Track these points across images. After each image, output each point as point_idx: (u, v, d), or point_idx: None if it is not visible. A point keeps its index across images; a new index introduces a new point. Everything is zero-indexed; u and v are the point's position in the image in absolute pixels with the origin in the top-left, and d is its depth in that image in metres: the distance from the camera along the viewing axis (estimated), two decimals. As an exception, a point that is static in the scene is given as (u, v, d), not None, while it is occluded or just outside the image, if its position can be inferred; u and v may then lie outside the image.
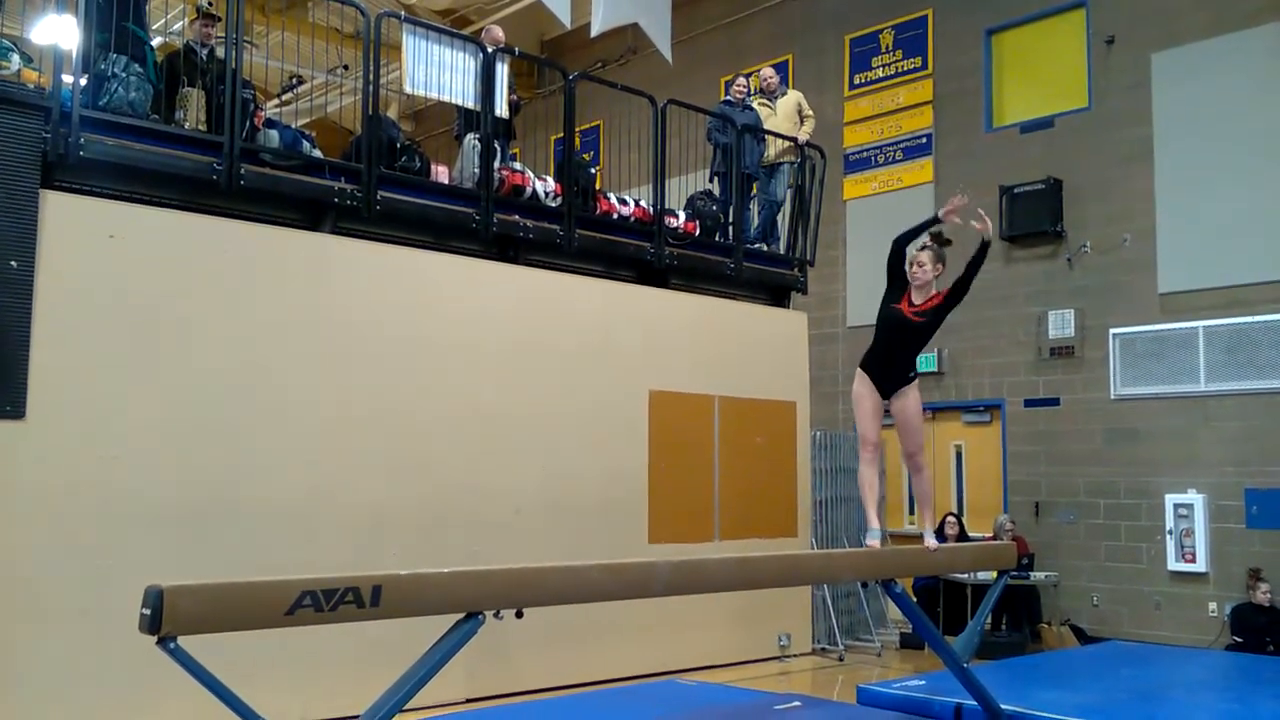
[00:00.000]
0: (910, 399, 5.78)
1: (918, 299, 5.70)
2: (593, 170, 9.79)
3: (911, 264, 5.69)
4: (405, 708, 3.52)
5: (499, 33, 8.55)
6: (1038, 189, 11.17)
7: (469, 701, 7.01)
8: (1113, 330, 10.65)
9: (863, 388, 5.76)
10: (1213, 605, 9.80)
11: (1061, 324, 11.01)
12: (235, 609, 3.12)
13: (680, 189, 9.97)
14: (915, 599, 8.84)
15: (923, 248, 5.68)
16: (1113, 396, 10.65)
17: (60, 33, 6.33)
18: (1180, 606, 10.01)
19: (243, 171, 6.76)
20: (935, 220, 5.75)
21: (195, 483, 6.37)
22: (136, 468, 6.19)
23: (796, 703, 6.17)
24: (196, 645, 2.98)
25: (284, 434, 6.77)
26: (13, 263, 5.85)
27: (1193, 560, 9.94)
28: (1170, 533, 10.07)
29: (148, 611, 2.90)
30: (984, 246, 5.60)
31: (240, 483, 6.55)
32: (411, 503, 7.24)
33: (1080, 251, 10.96)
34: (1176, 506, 10.07)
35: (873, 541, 5.59)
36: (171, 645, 2.95)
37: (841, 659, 9.55)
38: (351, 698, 6.11)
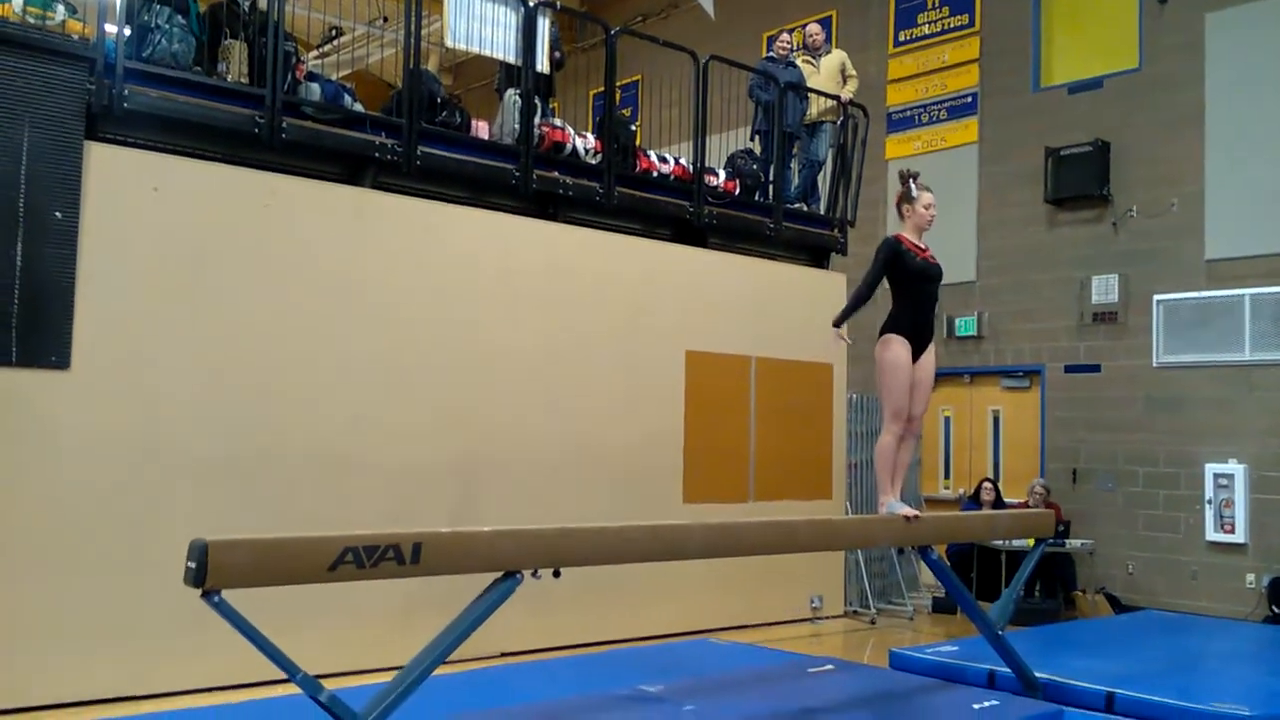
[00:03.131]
0: (932, 358, 5.64)
1: (922, 243, 5.66)
2: (633, 127, 9.70)
3: (929, 207, 5.62)
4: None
5: (548, -18, 8.41)
6: (1084, 151, 10.97)
7: (504, 655, 7.09)
8: (1157, 296, 10.49)
9: (905, 352, 5.47)
10: (1250, 577, 9.71)
11: (1105, 289, 10.85)
12: (279, 564, 3.14)
13: (721, 147, 9.88)
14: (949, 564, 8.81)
15: (924, 188, 5.63)
16: (1155, 364, 10.50)
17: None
18: (1217, 577, 9.92)
19: (284, 124, 6.76)
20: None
21: (234, 434, 6.44)
22: (178, 418, 6.26)
23: (829, 666, 6.18)
24: (237, 594, 3.01)
25: (322, 386, 6.81)
26: (57, 213, 5.90)
27: (1231, 531, 9.84)
28: (1209, 502, 9.97)
29: (193, 565, 2.93)
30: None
31: (278, 434, 6.61)
32: (447, 457, 7.28)
33: (1126, 215, 10.78)
34: (1216, 476, 9.95)
35: (902, 510, 5.37)
36: (216, 599, 2.98)
37: (873, 622, 9.56)
38: (392, 650, 6.20)
